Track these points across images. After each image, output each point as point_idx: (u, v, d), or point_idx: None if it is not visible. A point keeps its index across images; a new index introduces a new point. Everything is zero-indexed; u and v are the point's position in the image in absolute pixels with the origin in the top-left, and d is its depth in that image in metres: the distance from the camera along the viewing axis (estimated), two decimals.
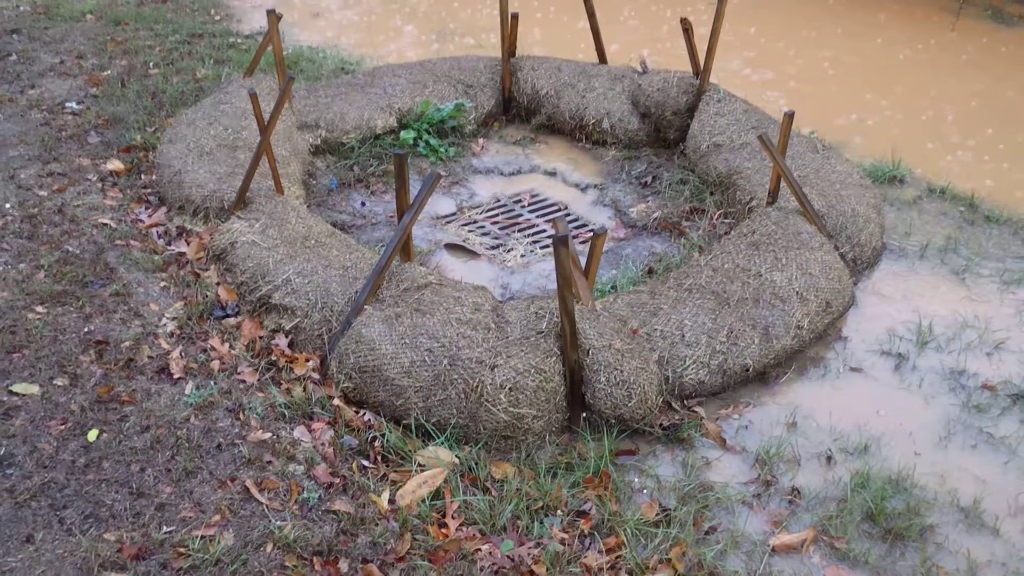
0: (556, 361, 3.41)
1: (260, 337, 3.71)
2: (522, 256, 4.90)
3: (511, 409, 3.29)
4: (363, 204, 5.25)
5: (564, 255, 3.29)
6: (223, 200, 4.39)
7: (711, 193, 5.16)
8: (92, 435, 2.96)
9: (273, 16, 4.93)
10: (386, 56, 7.17)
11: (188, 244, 4.27)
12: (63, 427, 2.98)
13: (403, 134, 5.72)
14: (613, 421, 3.46)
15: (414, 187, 5.01)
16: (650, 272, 4.55)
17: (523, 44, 6.16)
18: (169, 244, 4.30)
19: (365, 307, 3.60)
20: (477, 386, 3.29)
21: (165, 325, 3.68)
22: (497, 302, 3.74)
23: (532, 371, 3.34)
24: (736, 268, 4.08)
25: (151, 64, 6.61)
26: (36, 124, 5.42)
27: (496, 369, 3.32)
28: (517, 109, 6.18)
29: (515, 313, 3.56)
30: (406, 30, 7.96)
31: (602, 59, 6.20)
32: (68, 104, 5.77)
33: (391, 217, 5.16)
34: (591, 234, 5.03)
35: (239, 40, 7.24)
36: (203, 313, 3.81)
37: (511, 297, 4.48)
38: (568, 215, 5.30)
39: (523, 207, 5.38)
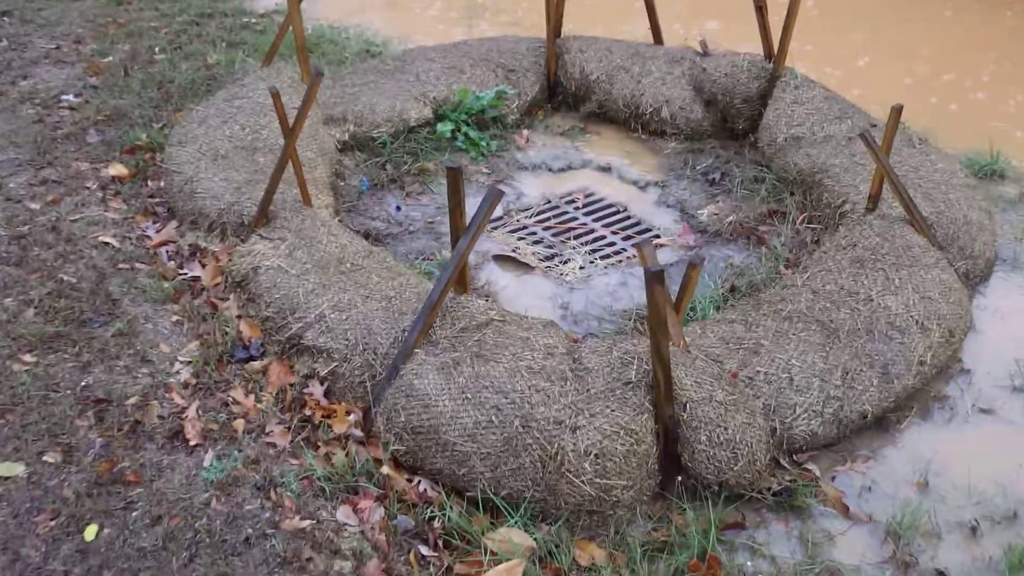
0: (648, 418, 2.84)
1: (291, 385, 3.16)
2: (581, 268, 4.31)
3: (597, 480, 2.73)
4: (398, 209, 4.67)
5: (659, 294, 2.71)
6: (242, 214, 3.81)
7: (791, 193, 4.55)
8: (90, 532, 2.41)
9: None
10: (413, 36, 6.53)
11: (203, 267, 3.70)
12: (54, 523, 2.43)
13: (440, 126, 5.12)
14: (715, 487, 2.90)
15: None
16: (732, 290, 3.96)
17: (569, 22, 5.52)
18: (181, 267, 3.73)
19: (416, 351, 3.03)
20: (556, 453, 2.73)
21: (178, 373, 3.13)
22: (571, 339, 3.16)
23: (621, 433, 2.77)
24: (841, 290, 3.49)
25: (156, 49, 6.01)
26: (28, 121, 4.83)
27: (578, 431, 2.75)
28: (564, 95, 5.56)
29: (595, 358, 2.99)
30: (435, 4, 7.31)
31: (657, 39, 5.56)
32: (64, 97, 5.18)
33: (430, 223, 4.58)
34: (654, 240, 4.47)
35: (253, 20, 6.62)
36: (223, 355, 3.25)
37: (573, 319, 3.91)
38: (628, 218, 4.70)
39: (577, 209, 4.79)
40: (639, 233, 4.58)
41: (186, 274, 3.68)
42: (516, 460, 2.76)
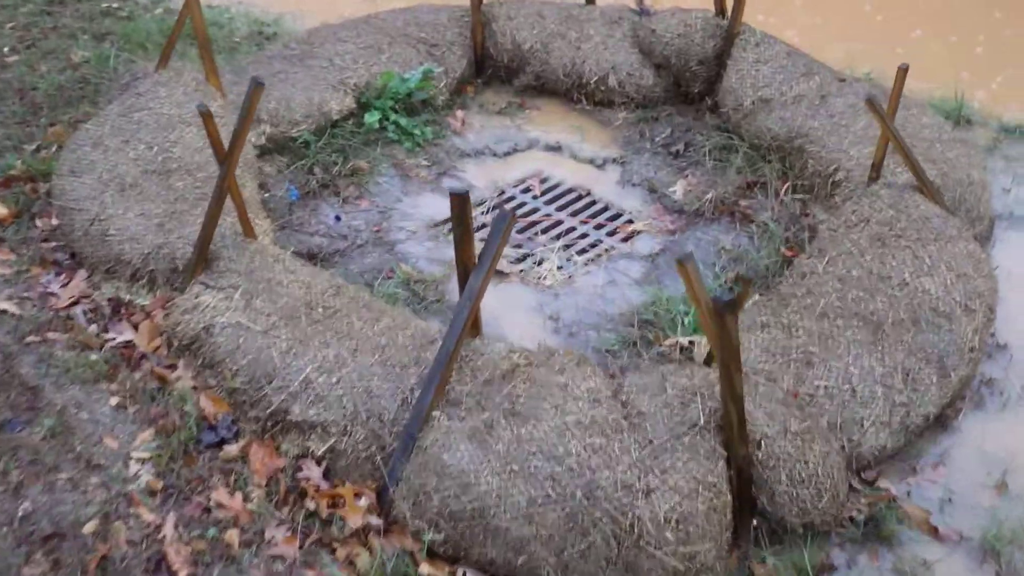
0: (722, 464, 2.44)
1: (281, 470, 2.60)
2: (559, 268, 3.86)
3: (682, 549, 2.32)
4: (338, 219, 4.08)
5: (730, 323, 2.29)
6: (174, 257, 3.16)
7: (767, 161, 4.20)
8: None
9: None
10: (307, 10, 5.82)
11: (135, 328, 3.05)
12: None
13: (367, 117, 4.52)
14: (798, 529, 2.54)
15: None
16: (737, 280, 3.60)
17: None
18: (105, 330, 3.07)
19: (433, 413, 2.52)
20: (631, 524, 2.30)
21: (138, 476, 2.52)
22: (610, 376, 2.72)
23: (700, 488, 2.36)
24: (870, 275, 3.17)
25: (5, 49, 5.11)
26: None
27: (653, 495, 2.33)
28: (494, 69, 5.03)
29: (647, 399, 2.56)
30: None
31: None
32: None
33: (377, 232, 4.02)
34: (629, 227, 4.06)
35: (114, 4, 5.75)
36: (187, 443, 2.66)
37: (568, 331, 3.47)
38: (594, 202, 4.26)
39: (535, 197, 4.31)
40: (611, 219, 4.15)
41: (114, 339, 3.03)
42: (584, 539, 2.31)
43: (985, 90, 4.91)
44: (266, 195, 4.09)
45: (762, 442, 2.47)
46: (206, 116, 2.83)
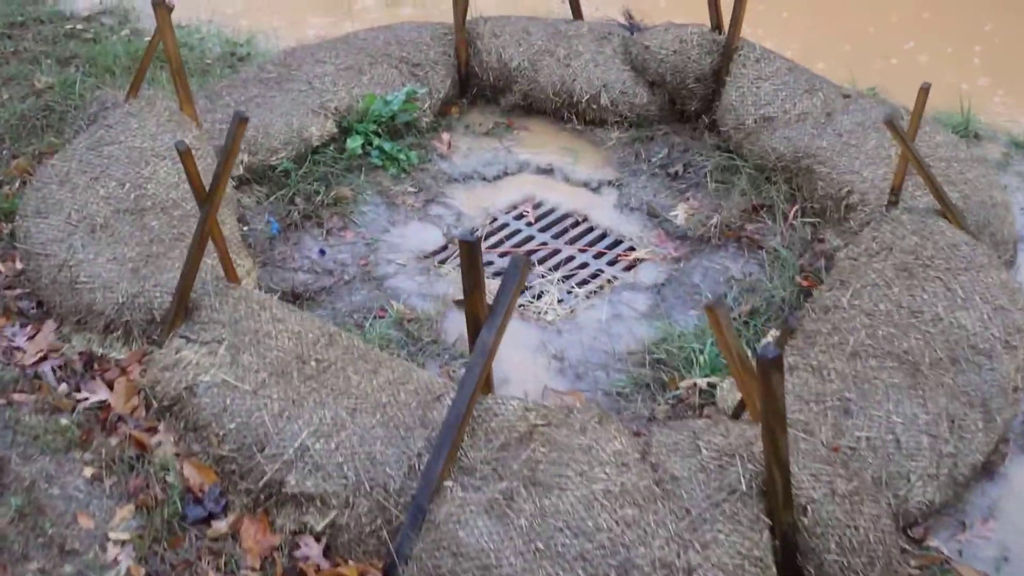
0: (767, 533, 2.23)
1: (276, 549, 2.35)
2: (560, 302, 3.64)
3: None
4: (322, 253, 3.83)
5: (776, 381, 2.08)
6: (150, 307, 2.90)
7: (771, 182, 4.01)
8: None
9: (163, 9, 3.35)
10: (282, 29, 5.56)
11: (109, 387, 2.78)
12: None
13: (349, 142, 4.27)
14: None
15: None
16: (753, 315, 3.40)
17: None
18: (77, 389, 2.80)
19: (445, 483, 2.29)
20: None
21: (117, 562, 2.25)
22: (636, 435, 2.50)
23: (746, 564, 2.15)
24: (900, 309, 2.98)
25: None
26: None
27: (694, 574, 2.11)
28: (479, 88, 4.81)
29: (679, 461, 2.33)
30: None
31: (577, 14, 4.88)
32: None
33: (365, 266, 3.78)
34: (631, 254, 3.82)
35: (78, 26, 5.45)
36: (171, 520, 2.39)
37: (575, 373, 3.25)
38: (591, 229, 4.05)
39: (529, 225, 4.09)
40: (610, 247, 3.94)
41: (87, 399, 2.75)
42: None
43: (988, 102, 4.77)
44: (245, 229, 3.84)
45: (808, 507, 2.26)
46: (185, 155, 2.58)
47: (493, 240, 4.00)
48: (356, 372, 2.67)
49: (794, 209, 3.86)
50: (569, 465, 2.29)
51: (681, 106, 4.47)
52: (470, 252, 2.28)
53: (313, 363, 2.69)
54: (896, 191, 3.38)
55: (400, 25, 4.87)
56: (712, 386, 3.10)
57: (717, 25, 4.33)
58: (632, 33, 4.61)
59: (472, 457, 2.32)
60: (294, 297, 3.57)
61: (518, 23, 4.77)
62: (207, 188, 2.69)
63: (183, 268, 2.77)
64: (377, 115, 4.37)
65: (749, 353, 2.29)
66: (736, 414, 2.65)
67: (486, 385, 2.46)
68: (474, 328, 2.39)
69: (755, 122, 4.09)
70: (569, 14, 4.91)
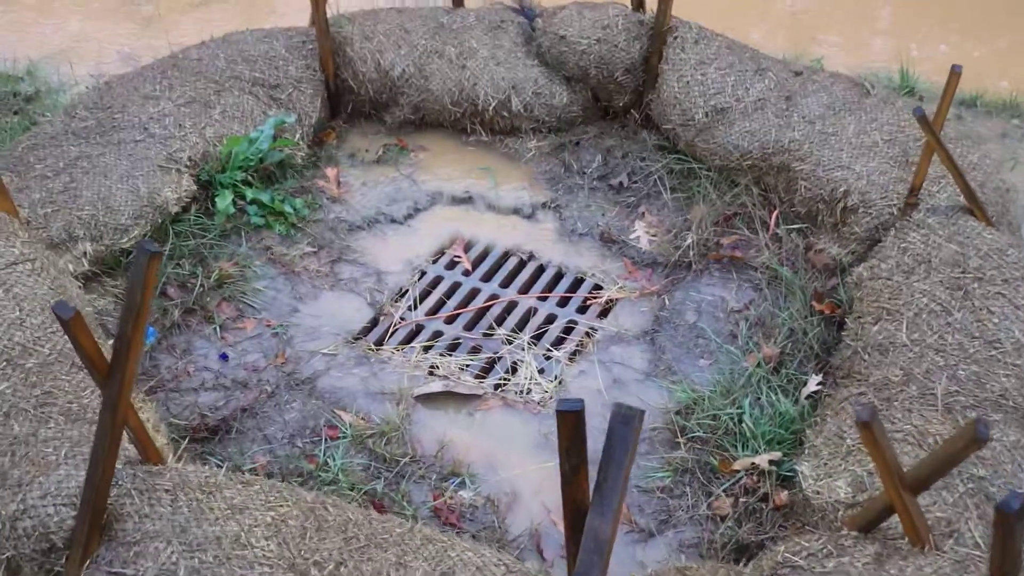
0: None
1: None
2: (541, 372, 2.96)
3: None
4: (224, 358, 2.95)
5: (1020, 535, 1.53)
6: (44, 528, 1.96)
7: (736, 185, 3.48)
8: None
9: None
10: (72, 49, 4.40)
11: None
12: None
13: (218, 202, 3.34)
14: None
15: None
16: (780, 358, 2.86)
17: None
18: None
19: None
20: None
21: None
22: None
23: None
24: (971, 340, 2.53)
25: None
26: None
27: None
28: (355, 105, 3.95)
29: None
30: None
31: (456, 0, 4.09)
32: None
33: (282, 364, 2.94)
34: (601, 295, 3.07)
35: None
36: None
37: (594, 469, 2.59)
38: (542, 268, 3.38)
39: (467, 273, 3.36)
40: (572, 289, 3.29)
41: None
42: None
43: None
44: (111, 345, 2.87)
45: None
46: (73, 324, 1.67)
47: (431, 301, 3.24)
48: (379, 569, 1.89)
49: (775, 215, 3.34)
50: None
51: (607, 102, 3.83)
52: (573, 427, 1.57)
53: (314, 572, 1.89)
54: (916, 190, 2.92)
55: (240, 36, 3.89)
56: (775, 463, 2.55)
57: (639, 4, 3.71)
58: (529, 20, 3.90)
59: None
60: (209, 432, 2.69)
61: (391, 19, 3.93)
62: (107, 356, 1.79)
63: (88, 471, 1.86)
64: (243, 159, 3.45)
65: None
66: (867, 527, 2.10)
67: None
68: (575, 514, 1.68)
69: (706, 115, 3.52)
70: (445, 1, 4.13)
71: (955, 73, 2.66)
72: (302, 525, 2.01)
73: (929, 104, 3.92)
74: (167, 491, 2.01)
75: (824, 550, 2.04)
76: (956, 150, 3.16)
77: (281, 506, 2.05)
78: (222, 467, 2.17)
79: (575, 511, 1.68)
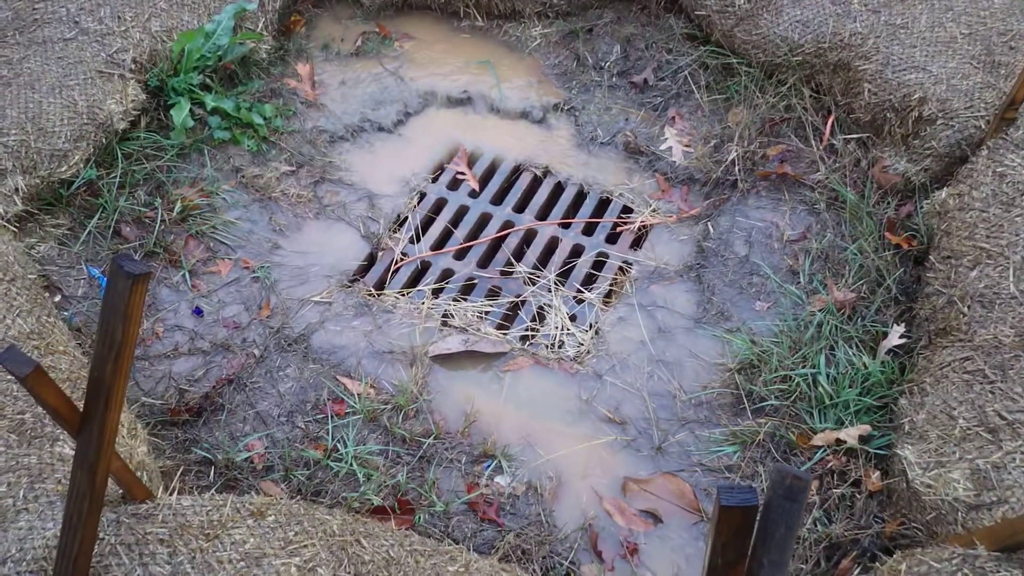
0: None
1: None
2: (572, 319, 2.55)
3: None
4: (199, 312, 2.47)
5: None
6: None
7: (783, 85, 2.99)
8: None
9: None
10: None
11: None
12: None
13: (175, 115, 2.75)
14: None
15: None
16: (855, 304, 2.48)
17: None
18: None
19: None
20: None
21: None
22: None
23: None
24: None
25: None
26: None
27: None
28: None
29: None
30: None
31: None
32: None
33: (268, 318, 2.47)
34: (633, 219, 2.58)
35: None
36: None
37: (651, 445, 2.24)
38: (560, 187, 2.90)
39: (474, 195, 2.87)
40: (599, 211, 2.84)
41: None
42: None
43: None
44: (57, 300, 2.36)
45: None
46: (34, 379, 1.19)
47: (436, 231, 2.76)
48: None
49: (830, 122, 2.89)
50: None
51: None
52: (743, 522, 1.17)
53: None
54: (1017, 104, 2.48)
55: None
56: (864, 439, 2.20)
57: None
58: None
59: None
60: (191, 414, 2.24)
61: None
62: (77, 405, 1.32)
63: (61, 539, 1.43)
64: (199, 58, 2.85)
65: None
66: (1012, 547, 1.77)
67: None
68: None
69: (749, 0, 2.99)
70: None
71: None
72: (335, 575, 1.61)
73: None
74: (162, 541, 1.58)
75: (959, 574, 1.72)
76: None
77: (305, 547, 1.65)
78: (224, 498, 1.73)
79: None
